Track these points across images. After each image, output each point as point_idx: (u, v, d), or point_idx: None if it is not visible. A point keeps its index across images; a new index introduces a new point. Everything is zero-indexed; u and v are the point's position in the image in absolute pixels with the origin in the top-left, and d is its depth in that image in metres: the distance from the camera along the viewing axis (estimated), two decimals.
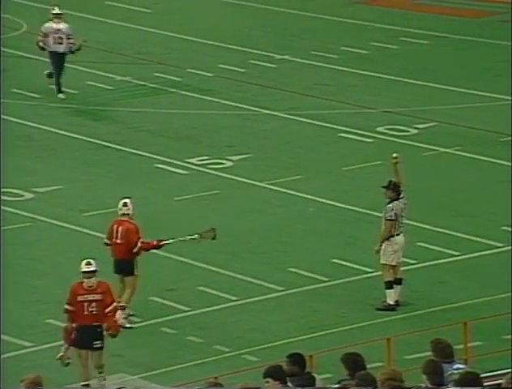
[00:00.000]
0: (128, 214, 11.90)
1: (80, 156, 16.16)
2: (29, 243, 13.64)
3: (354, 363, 7.60)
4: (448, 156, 16.11)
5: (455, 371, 7.64)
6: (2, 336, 11.47)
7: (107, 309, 10.56)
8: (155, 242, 11.94)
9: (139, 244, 11.79)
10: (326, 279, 12.69)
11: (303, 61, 19.74)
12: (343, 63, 19.54)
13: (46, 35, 17.23)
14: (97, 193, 14.96)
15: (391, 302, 12.01)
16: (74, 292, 10.63)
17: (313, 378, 7.88)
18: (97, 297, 10.57)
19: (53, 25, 17.26)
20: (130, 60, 19.77)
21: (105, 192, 14.98)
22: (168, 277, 12.54)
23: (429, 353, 7.84)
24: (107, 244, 11.98)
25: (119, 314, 11.56)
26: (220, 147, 16.42)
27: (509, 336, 10.69)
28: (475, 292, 12.31)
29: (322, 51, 20.08)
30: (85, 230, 13.80)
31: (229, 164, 15.85)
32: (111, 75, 19.12)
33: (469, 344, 10.60)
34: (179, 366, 11.12)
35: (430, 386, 7.23)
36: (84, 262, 10.76)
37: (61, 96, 17.32)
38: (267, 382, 7.50)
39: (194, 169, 15.66)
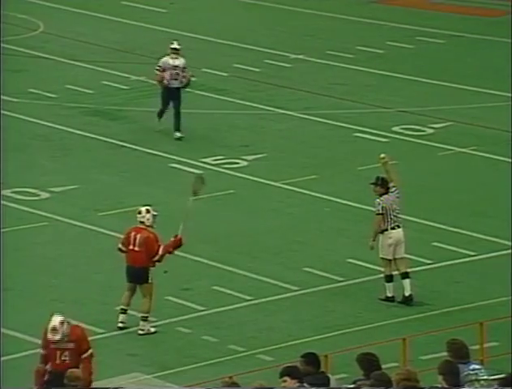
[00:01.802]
0: (143, 222, 11.70)
1: (96, 156, 16.19)
2: (45, 242, 13.68)
3: (369, 363, 7.58)
4: (464, 156, 16.03)
5: (471, 372, 7.60)
6: (18, 335, 11.51)
7: (83, 356, 9.64)
8: (172, 240, 11.65)
9: (161, 251, 11.54)
10: (341, 279, 12.66)
11: (318, 60, 19.71)
12: (358, 63, 19.50)
13: (163, 70, 16.06)
14: (113, 192, 14.99)
15: (389, 295, 12.07)
16: (47, 336, 9.70)
17: (328, 378, 7.87)
18: (70, 345, 9.64)
19: (171, 61, 16.07)
20: (146, 60, 19.79)
21: (121, 191, 15.01)
22: (183, 277, 12.54)
23: (445, 354, 7.81)
24: (122, 250, 11.81)
25: (143, 324, 11.48)
26: (235, 147, 16.41)
27: None
28: (491, 293, 12.25)
29: (338, 50, 20.04)
30: (101, 229, 13.82)
31: (244, 163, 15.85)
32: (126, 75, 19.15)
33: (485, 345, 10.55)
34: (194, 366, 11.12)
35: (446, 386, 7.19)
36: (51, 326, 9.63)
37: (177, 134, 15.80)
38: (284, 381, 7.48)
39: (209, 169, 15.66)
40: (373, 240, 12.12)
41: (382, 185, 12.25)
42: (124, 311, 11.69)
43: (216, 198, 14.51)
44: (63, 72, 19.19)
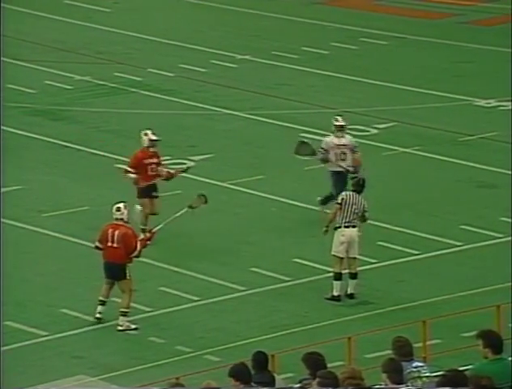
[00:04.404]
0: (122, 218, 11.78)
1: (39, 157, 16.03)
2: None
3: (315, 362, 7.64)
4: (407, 156, 16.26)
5: (414, 369, 7.72)
6: None
7: None
8: (148, 234, 11.87)
9: (138, 245, 11.66)
10: (287, 278, 12.74)
11: (264, 61, 19.79)
12: (303, 63, 19.63)
13: (326, 151, 13.74)
14: (57, 193, 14.86)
15: (335, 294, 12.19)
16: None
17: (273, 377, 7.92)
18: None
19: (336, 140, 13.71)
20: (90, 60, 19.66)
21: (65, 192, 14.89)
22: None
23: (390, 352, 7.92)
24: (99, 248, 11.85)
25: (123, 320, 11.50)
26: (182, 147, 16.40)
27: (468, 334, 10.82)
28: (434, 291, 12.43)
29: (283, 51, 20.15)
30: (45, 231, 13.70)
31: (191, 164, 15.85)
32: (70, 75, 18.99)
33: (428, 342, 10.70)
34: (141, 367, 11.09)
35: (390, 384, 7.30)
36: None
37: (323, 209, 13.44)
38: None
39: None
40: (326, 226, 12.29)
41: (356, 183, 12.41)
42: (103, 303, 11.72)
43: (163, 198, 14.48)
44: (5, 71, 18.95)
